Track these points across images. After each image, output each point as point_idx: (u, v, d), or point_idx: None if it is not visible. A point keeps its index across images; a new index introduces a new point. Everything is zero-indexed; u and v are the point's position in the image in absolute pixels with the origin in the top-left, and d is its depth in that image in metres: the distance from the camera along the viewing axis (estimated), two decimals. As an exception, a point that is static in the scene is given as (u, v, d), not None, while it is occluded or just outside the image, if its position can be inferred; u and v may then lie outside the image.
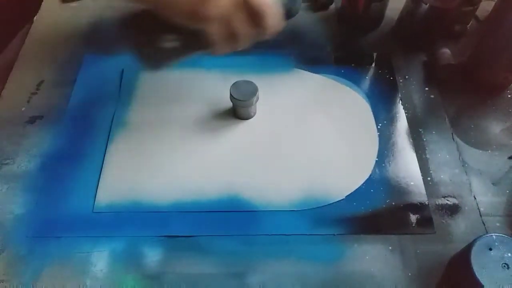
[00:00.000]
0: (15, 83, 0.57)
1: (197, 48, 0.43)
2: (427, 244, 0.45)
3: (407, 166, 0.50)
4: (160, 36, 0.41)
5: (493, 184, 0.49)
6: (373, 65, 0.60)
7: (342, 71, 0.59)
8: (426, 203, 0.47)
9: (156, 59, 0.44)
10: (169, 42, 0.41)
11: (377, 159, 0.50)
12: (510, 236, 0.39)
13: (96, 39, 0.62)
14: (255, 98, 0.50)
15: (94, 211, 0.46)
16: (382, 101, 0.56)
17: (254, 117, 0.54)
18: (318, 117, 0.54)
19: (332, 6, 0.67)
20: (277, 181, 0.49)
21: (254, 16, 0.41)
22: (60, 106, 0.54)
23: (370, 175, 0.49)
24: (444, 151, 0.51)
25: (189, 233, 0.45)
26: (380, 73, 0.59)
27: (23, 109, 0.54)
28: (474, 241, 0.39)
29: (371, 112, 0.55)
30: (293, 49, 0.61)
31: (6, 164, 0.49)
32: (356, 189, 0.48)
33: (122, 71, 0.58)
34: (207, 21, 0.40)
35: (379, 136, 0.52)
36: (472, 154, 0.51)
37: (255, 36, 0.43)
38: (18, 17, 0.63)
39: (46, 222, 0.45)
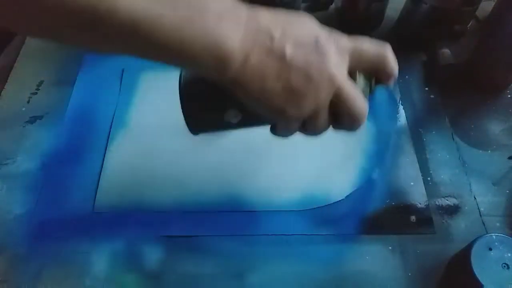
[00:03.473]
0: (15, 83, 0.57)
1: (257, 125, 0.37)
2: (427, 244, 0.44)
3: (407, 166, 0.50)
4: (223, 110, 0.34)
5: (493, 184, 0.49)
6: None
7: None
8: (426, 203, 0.47)
9: (210, 127, 0.38)
10: (230, 116, 0.34)
11: (377, 159, 0.50)
12: (510, 236, 0.39)
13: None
14: (255, 98, 0.50)
15: (94, 211, 0.46)
16: (382, 101, 0.56)
17: (254, 117, 0.54)
18: (318, 117, 0.54)
19: (332, 6, 0.67)
20: (277, 181, 0.49)
21: (347, 112, 0.33)
22: (60, 106, 0.54)
23: (370, 175, 0.49)
24: (444, 151, 0.51)
25: (189, 233, 0.45)
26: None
27: (23, 109, 0.54)
28: (474, 241, 0.39)
29: (371, 112, 0.54)
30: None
31: (6, 164, 0.49)
32: (356, 189, 0.48)
33: (122, 71, 0.58)
34: (290, 119, 0.33)
35: (379, 136, 0.52)
36: (472, 154, 0.51)
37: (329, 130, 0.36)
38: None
39: (46, 222, 0.45)
